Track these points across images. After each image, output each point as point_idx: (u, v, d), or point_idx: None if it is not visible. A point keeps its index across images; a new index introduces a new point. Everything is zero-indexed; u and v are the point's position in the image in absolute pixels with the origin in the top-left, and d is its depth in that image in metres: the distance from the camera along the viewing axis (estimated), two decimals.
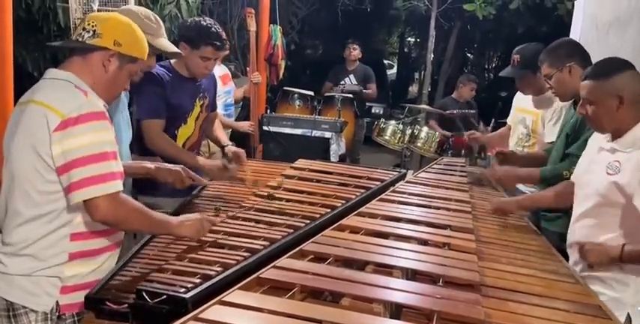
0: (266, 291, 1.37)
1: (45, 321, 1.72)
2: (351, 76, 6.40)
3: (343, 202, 2.37)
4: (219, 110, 3.63)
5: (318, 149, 4.69)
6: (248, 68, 4.85)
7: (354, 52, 6.35)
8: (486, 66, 13.98)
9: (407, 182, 2.67)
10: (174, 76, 2.75)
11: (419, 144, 5.41)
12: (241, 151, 2.86)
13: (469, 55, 13.49)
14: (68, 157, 1.64)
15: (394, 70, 15.60)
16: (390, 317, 1.34)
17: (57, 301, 1.73)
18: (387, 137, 5.53)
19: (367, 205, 2.20)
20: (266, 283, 1.40)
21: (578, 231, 2.16)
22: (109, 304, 1.57)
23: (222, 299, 1.25)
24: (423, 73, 11.28)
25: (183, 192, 2.45)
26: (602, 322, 1.46)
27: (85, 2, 3.90)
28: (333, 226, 1.91)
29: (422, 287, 1.46)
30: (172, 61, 2.80)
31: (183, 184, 2.27)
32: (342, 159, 5.08)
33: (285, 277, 1.42)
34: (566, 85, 2.61)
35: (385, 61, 13.83)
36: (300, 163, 2.94)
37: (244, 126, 4.45)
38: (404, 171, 3.02)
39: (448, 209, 2.27)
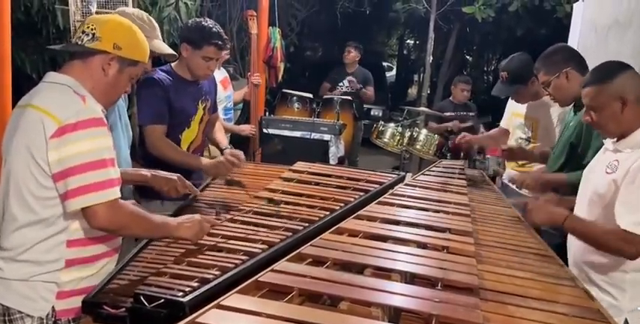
0: (264, 295, 1.36)
1: None
2: (350, 79, 6.40)
3: (342, 204, 2.36)
4: (219, 115, 3.63)
5: (317, 152, 4.68)
6: (249, 73, 4.85)
7: (350, 54, 6.35)
8: (485, 68, 13.97)
9: (406, 185, 2.66)
10: (176, 80, 2.74)
11: (418, 146, 5.39)
12: (239, 153, 2.86)
13: (468, 57, 13.48)
14: (65, 164, 1.62)
15: (393, 73, 15.62)
16: (389, 321, 1.33)
17: (53, 307, 1.72)
18: (385, 139, 5.52)
19: (366, 208, 2.19)
20: (264, 287, 1.39)
21: None
22: (106, 308, 1.56)
23: (220, 303, 1.24)
24: (422, 75, 11.29)
25: (185, 196, 2.43)
26: None
27: (84, 5, 3.90)
28: (332, 230, 1.90)
29: (420, 291, 1.45)
30: (173, 64, 2.79)
31: (178, 193, 2.26)
32: (340, 161, 5.08)
33: (283, 280, 1.41)
34: (564, 91, 2.61)
35: (384, 64, 13.87)
36: (299, 165, 2.94)
37: (246, 130, 4.45)
38: (403, 173, 3.01)
39: (447, 212, 2.26)
